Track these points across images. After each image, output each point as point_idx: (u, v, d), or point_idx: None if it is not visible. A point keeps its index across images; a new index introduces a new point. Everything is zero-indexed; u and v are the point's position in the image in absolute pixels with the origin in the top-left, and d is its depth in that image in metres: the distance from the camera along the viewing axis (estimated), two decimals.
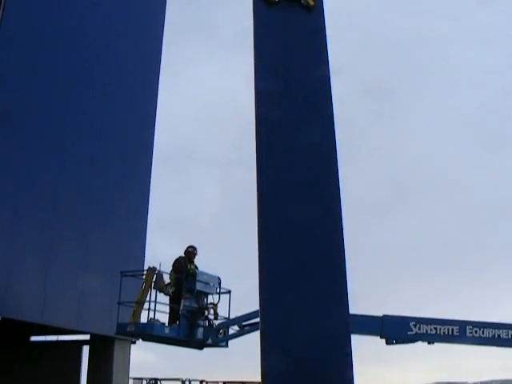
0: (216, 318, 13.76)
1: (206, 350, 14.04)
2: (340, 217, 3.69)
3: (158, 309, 13.31)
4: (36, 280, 20.19)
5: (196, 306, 13.54)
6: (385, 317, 12.40)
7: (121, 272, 14.30)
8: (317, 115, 3.85)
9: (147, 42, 26.10)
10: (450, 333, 12.44)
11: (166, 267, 13.71)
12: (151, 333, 13.24)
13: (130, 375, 22.48)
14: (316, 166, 3.77)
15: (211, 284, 13.91)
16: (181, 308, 13.23)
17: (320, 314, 3.46)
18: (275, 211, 3.69)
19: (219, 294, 14.01)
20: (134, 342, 23.12)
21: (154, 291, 13.36)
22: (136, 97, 25.15)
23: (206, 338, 13.55)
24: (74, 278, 21.30)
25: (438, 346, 12.82)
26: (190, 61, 52.66)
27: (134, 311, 13.26)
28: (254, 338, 12.12)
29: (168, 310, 13.62)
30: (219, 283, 14.05)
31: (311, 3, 4.00)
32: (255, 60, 3.93)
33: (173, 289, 13.32)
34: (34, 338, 25.34)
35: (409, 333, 12.35)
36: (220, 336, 13.66)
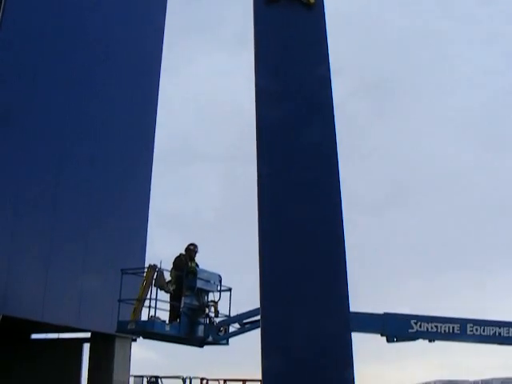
0: (216, 316, 13.76)
1: (206, 347, 14.04)
2: (341, 217, 3.68)
3: (159, 306, 13.31)
4: (37, 278, 20.20)
5: (197, 303, 13.54)
6: (386, 315, 12.39)
7: (121, 269, 14.29)
8: (317, 115, 3.84)
9: (148, 41, 26.07)
10: (451, 331, 12.43)
11: (167, 265, 13.71)
12: (152, 330, 13.24)
13: (131, 373, 22.50)
14: (317, 166, 3.76)
15: (212, 282, 13.90)
16: (181, 306, 13.22)
17: (321, 314, 3.45)
18: (276, 211, 3.69)
19: (220, 291, 14.01)
20: (135, 340, 23.13)
21: (154, 289, 13.35)
22: (137, 95, 25.13)
23: (206, 335, 13.55)
24: (75, 276, 21.31)
25: (438, 343, 12.81)
26: (191, 59, 52.63)
27: (135, 309, 13.25)
28: (255, 335, 12.13)
29: (169, 308, 13.62)
30: (220, 281, 14.04)
31: (312, 1, 3.98)
32: (256, 59, 3.92)
33: (173, 286, 13.31)
34: (34, 336, 25.36)
35: (410, 331, 12.34)
36: (221, 334, 13.66)
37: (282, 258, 3.56)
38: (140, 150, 24.87)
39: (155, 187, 25.18)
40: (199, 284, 13.55)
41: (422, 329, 12.36)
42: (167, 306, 13.56)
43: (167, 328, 13.19)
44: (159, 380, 19.52)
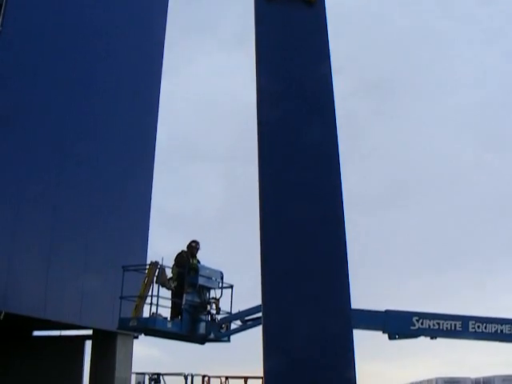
0: (218, 313, 13.75)
1: (208, 344, 14.04)
2: (342, 216, 3.67)
3: (161, 303, 13.30)
4: (38, 275, 20.23)
5: (198, 300, 13.53)
6: (388, 312, 12.39)
7: (123, 266, 14.29)
8: (319, 114, 3.83)
9: (149, 41, 26.06)
10: (453, 328, 12.41)
11: (169, 262, 13.71)
12: (153, 327, 13.24)
13: (133, 370, 22.53)
14: (318, 166, 3.75)
15: (213, 278, 13.89)
16: (183, 303, 13.22)
17: (322, 314, 3.44)
18: (277, 211, 3.68)
19: (221, 288, 14.00)
20: (137, 337, 23.16)
21: (156, 286, 13.35)
22: (138, 95, 25.13)
23: (208, 332, 13.54)
24: (76, 273, 21.34)
25: (440, 341, 12.80)
26: (191, 59, 52.63)
27: (137, 306, 13.26)
28: (256, 332, 12.13)
29: (170, 305, 13.61)
30: (221, 278, 14.02)
31: None
32: (256, 59, 3.91)
33: (175, 283, 13.31)
34: (36, 333, 25.41)
35: (411, 328, 12.33)
36: (222, 331, 13.66)
37: (284, 258, 3.55)
38: (141, 149, 24.89)
39: (156, 186, 25.21)
40: (201, 281, 13.54)
41: (424, 326, 12.35)
42: (169, 303, 13.56)
43: (169, 325, 13.19)
44: (161, 377, 19.53)
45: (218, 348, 14.74)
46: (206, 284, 13.72)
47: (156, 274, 13.31)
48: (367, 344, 13.89)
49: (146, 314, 13.49)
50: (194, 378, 19.14)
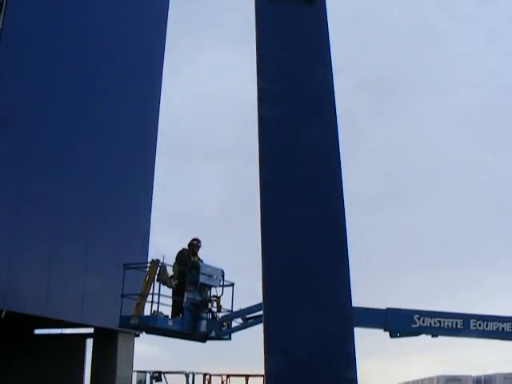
0: (219, 311, 13.75)
1: (209, 342, 14.04)
2: (343, 216, 3.66)
3: (162, 301, 13.30)
4: (39, 273, 20.24)
5: (199, 298, 13.52)
6: (389, 310, 12.37)
7: (124, 264, 14.28)
8: (320, 114, 3.82)
9: (149, 40, 26.02)
10: (454, 326, 12.40)
11: (170, 260, 13.70)
12: (154, 325, 13.24)
13: (134, 368, 22.53)
14: (319, 166, 3.74)
15: (215, 276, 13.88)
16: (184, 301, 13.21)
17: (323, 314, 3.43)
18: (278, 210, 3.66)
19: (222, 286, 13.99)
20: (138, 335, 23.17)
21: (157, 284, 13.34)
22: (139, 94, 25.11)
23: (209, 330, 13.54)
24: (77, 272, 21.35)
25: (441, 339, 12.79)
26: (192, 56, 52.64)
27: (138, 304, 13.25)
28: (258, 330, 12.12)
29: (171, 303, 13.60)
30: (223, 276, 14.02)
31: None
32: (257, 59, 3.89)
33: (176, 281, 13.30)
34: (37, 331, 25.43)
35: (413, 326, 12.32)
36: (223, 329, 13.65)
37: (284, 258, 3.54)
38: (142, 148, 24.89)
39: (157, 185, 25.23)
40: (202, 279, 13.53)
41: (425, 324, 12.34)
42: (170, 301, 13.55)
43: (170, 323, 13.18)
44: (162, 375, 19.52)
45: (219, 346, 14.75)
46: (207, 282, 13.71)
47: (157, 272, 13.30)
48: (368, 342, 13.88)
49: (147, 312, 13.48)
50: (196, 376, 19.13)
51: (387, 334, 12.43)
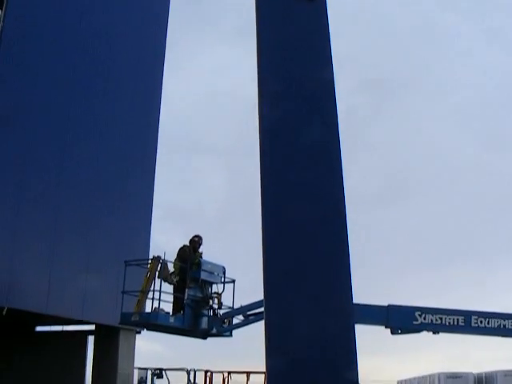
0: (220, 308, 13.73)
1: (210, 339, 14.02)
2: (344, 216, 3.65)
3: (163, 298, 13.29)
4: (41, 270, 20.24)
5: (200, 295, 13.51)
6: (390, 306, 12.36)
7: (125, 261, 14.28)
8: (320, 114, 3.81)
9: (150, 38, 25.98)
10: (455, 323, 12.39)
11: (171, 257, 13.69)
12: (155, 322, 13.23)
13: (135, 365, 22.56)
14: (320, 165, 3.73)
15: (216, 273, 13.87)
16: (185, 297, 13.20)
17: (324, 313, 3.43)
18: (279, 210, 3.66)
19: (224, 283, 13.98)
20: (139, 332, 23.18)
21: (158, 280, 13.33)
22: (140, 90, 25.09)
23: (210, 327, 13.53)
24: (79, 269, 21.35)
25: (442, 336, 12.78)
26: (193, 54, 52.63)
27: (139, 301, 13.24)
28: (259, 327, 12.12)
29: (172, 300, 13.59)
30: (224, 272, 14.01)
31: None
32: (258, 58, 3.88)
33: (177, 278, 13.29)
34: (39, 329, 25.44)
35: (414, 322, 12.31)
36: (224, 326, 13.64)
37: (286, 259, 3.54)
38: (143, 146, 24.89)
39: (158, 181, 25.25)
40: (203, 275, 13.51)
41: (427, 321, 12.32)
42: (171, 298, 13.54)
43: (171, 320, 13.17)
44: (163, 372, 19.54)
45: (220, 343, 14.75)
46: (209, 279, 13.70)
47: (158, 268, 13.28)
48: (369, 338, 13.88)
49: (148, 308, 13.48)
50: (197, 373, 19.15)
51: (388, 330, 12.42)
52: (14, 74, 20.20)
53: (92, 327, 23.63)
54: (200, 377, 19.15)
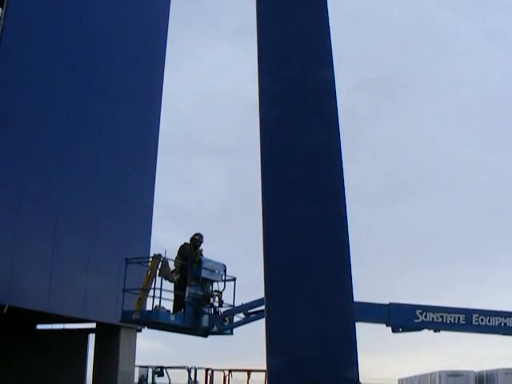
0: (221, 306, 13.72)
1: (210, 337, 14.01)
2: (345, 215, 3.63)
3: (164, 296, 13.27)
4: (41, 269, 20.24)
5: (201, 293, 13.49)
6: (391, 304, 12.35)
7: (126, 259, 14.27)
8: (321, 114, 3.79)
9: (151, 37, 25.96)
10: (457, 321, 12.38)
11: (172, 255, 13.67)
12: (156, 320, 13.22)
13: (136, 363, 22.57)
14: (321, 166, 3.71)
15: (216, 271, 13.85)
16: (186, 295, 13.19)
17: (325, 314, 3.42)
18: (280, 211, 3.64)
19: (224, 281, 13.96)
20: (140, 330, 23.18)
21: (159, 278, 13.31)
22: (140, 90, 25.07)
23: (211, 325, 13.52)
24: (80, 267, 21.36)
25: (443, 334, 12.77)
26: (194, 53, 52.63)
27: (140, 299, 13.23)
28: (259, 325, 12.11)
29: (173, 298, 13.58)
30: (224, 270, 13.99)
31: None
32: (259, 59, 3.86)
33: (178, 276, 13.27)
34: (40, 327, 25.46)
35: (415, 321, 12.30)
36: (225, 323, 13.63)
37: (286, 259, 3.52)
38: (143, 145, 24.89)
39: (159, 179, 25.26)
40: (204, 273, 13.50)
41: (428, 319, 12.31)
42: (172, 296, 13.53)
43: (172, 318, 13.16)
44: (164, 370, 19.55)
45: (221, 341, 14.74)
46: (209, 277, 13.69)
47: (159, 266, 13.27)
48: (370, 337, 13.87)
49: (149, 306, 13.47)
50: (198, 371, 19.16)
51: (389, 329, 12.41)
52: (14, 74, 20.19)
53: (93, 325, 23.64)
54: (201, 375, 19.18)
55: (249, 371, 19.48)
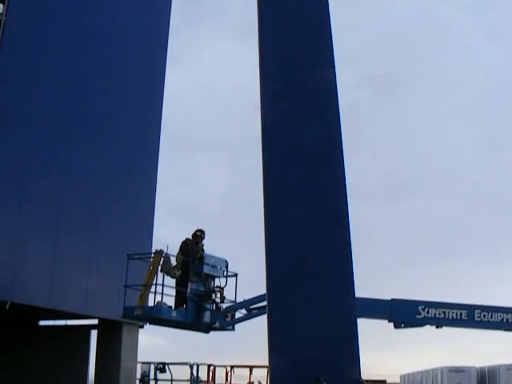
0: (223, 302, 13.73)
1: (212, 333, 14.02)
2: (346, 214, 3.64)
3: (165, 292, 13.28)
4: (44, 265, 20.28)
5: (203, 289, 13.50)
6: (393, 300, 12.33)
7: (127, 255, 14.27)
8: (322, 114, 3.80)
9: (152, 34, 25.96)
10: (459, 317, 12.37)
11: (173, 251, 13.67)
12: (158, 316, 13.21)
13: (138, 359, 22.58)
14: (322, 165, 3.72)
15: (218, 267, 13.85)
16: (188, 291, 13.19)
17: (327, 313, 3.42)
18: (282, 211, 3.65)
19: (226, 277, 13.96)
20: (142, 326, 23.21)
21: (161, 274, 13.31)
22: (142, 87, 25.09)
23: (213, 321, 13.52)
24: (82, 263, 21.39)
25: (445, 330, 12.76)
26: (196, 49, 52.59)
27: (141, 295, 13.23)
28: (261, 321, 12.09)
29: (175, 294, 13.58)
30: (226, 266, 13.99)
31: None
32: (260, 59, 3.86)
33: (180, 272, 13.27)
34: (42, 323, 25.52)
35: (417, 316, 12.29)
36: (227, 319, 13.63)
37: (288, 259, 3.53)
38: (145, 142, 24.90)
39: (161, 177, 25.30)
40: (206, 269, 13.50)
41: (430, 315, 12.30)
42: (173, 292, 13.52)
43: (173, 314, 13.16)
44: (166, 366, 19.52)
45: (223, 337, 14.73)
46: (211, 272, 13.69)
47: (161, 262, 13.26)
48: (372, 333, 13.85)
49: (150, 302, 13.47)
50: (200, 367, 19.12)
51: (391, 324, 12.39)
52: (14, 74, 20.18)
53: (95, 321, 23.68)
54: (203, 371, 19.14)
55: (251, 367, 19.46)
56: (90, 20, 22.87)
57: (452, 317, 12.38)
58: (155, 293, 13.16)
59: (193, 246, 13.65)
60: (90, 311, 22.00)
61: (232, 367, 19.77)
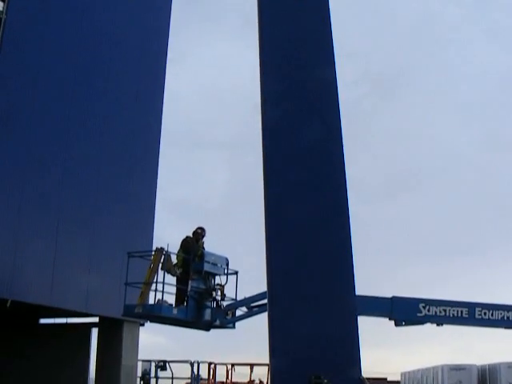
0: (223, 299, 13.73)
1: (213, 331, 14.02)
2: (347, 213, 3.63)
3: (166, 290, 13.28)
4: (44, 263, 20.28)
5: (204, 287, 13.50)
6: (394, 298, 12.33)
7: (128, 253, 14.27)
8: (322, 114, 3.78)
9: (153, 33, 25.93)
10: (459, 315, 12.37)
11: (174, 249, 13.67)
12: (159, 314, 13.22)
13: (139, 357, 22.61)
14: (322, 164, 3.71)
15: (219, 265, 13.85)
16: (188, 289, 13.19)
17: (327, 314, 3.42)
18: (282, 210, 3.64)
19: (227, 274, 13.96)
20: (143, 324, 23.23)
21: (161, 272, 13.32)
22: (142, 86, 25.05)
23: (213, 319, 13.52)
24: (83, 261, 21.39)
25: (446, 328, 12.76)
26: (196, 49, 52.65)
27: (142, 292, 13.23)
28: (262, 319, 12.09)
29: (175, 291, 13.58)
30: (227, 264, 13.99)
31: None
32: (260, 59, 3.84)
33: (180, 270, 13.27)
34: (43, 321, 25.54)
35: (418, 314, 12.29)
36: (228, 317, 13.63)
37: (289, 257, 3.52)
38: (146, 140, 24.89)
39: (162, 174, 25.31)
40: (206, 267, 13.50)
41: (431, 313, 12.30)
42: (174, 290, 13.53)
43: (174, 312, 13.17)
44: (167, 364, 19.55)
45: (224, 335, 14.74)
46: (212, 270, 13.69)
47: (161, 260, 13.27)
48: (373, 331, 13.87)
49: (151, 300, 13.47)
50: (200, 365, 19.15)
51: (392, 322, 12.40)
52: (14, 74, 20.16)
53: (96, 319, 23.69)
54: (204, 369, 19.17)
55: (251, 365, 19.51)
56: (89, 20, 22.84)
57: (453, 314, 12.38)
58: (156, 291, 13.17)
59: (193, 244, 13.65)
60: (90, 309, 22.01)
61: (233, 365, 19.82)
